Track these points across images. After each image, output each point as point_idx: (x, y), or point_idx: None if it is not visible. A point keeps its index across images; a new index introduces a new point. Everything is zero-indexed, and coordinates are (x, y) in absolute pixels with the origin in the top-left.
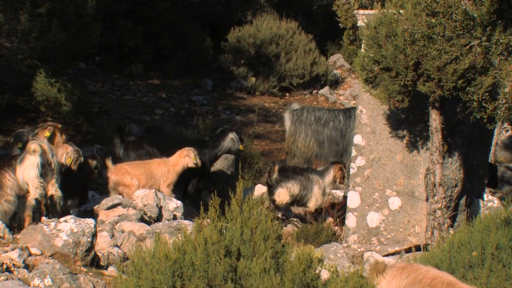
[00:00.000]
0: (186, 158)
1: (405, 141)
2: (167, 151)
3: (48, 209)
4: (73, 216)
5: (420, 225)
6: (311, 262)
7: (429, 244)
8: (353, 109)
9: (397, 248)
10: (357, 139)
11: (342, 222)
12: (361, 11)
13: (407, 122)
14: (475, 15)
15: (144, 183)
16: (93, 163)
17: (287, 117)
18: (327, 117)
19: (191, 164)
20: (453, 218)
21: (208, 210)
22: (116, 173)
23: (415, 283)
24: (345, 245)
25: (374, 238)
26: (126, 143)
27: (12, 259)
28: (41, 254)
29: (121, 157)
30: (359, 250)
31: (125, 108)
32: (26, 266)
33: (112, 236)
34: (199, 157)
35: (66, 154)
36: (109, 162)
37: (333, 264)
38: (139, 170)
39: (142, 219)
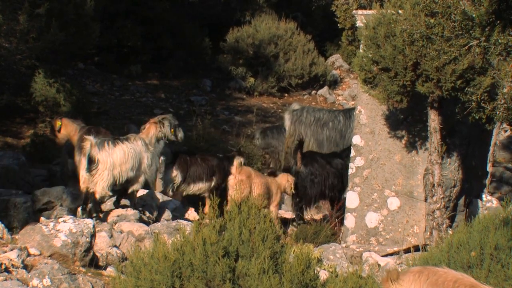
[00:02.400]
0: (287, 183)
1: (404, 142)
2: (332, 164)
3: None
4: (72, 216)
5: (419, 225)
6: (309, 263)
7: (428, 245)
8: (353, 109)
9: (395, 249)
10: (356, 139)
11: (341, 222)
12: (359, 12)
13: (406, 122)
14: (474, 15)
15: (261, 192)
16: None
17: (287, 117)
18: (327, 117)
19: (288, 191)
20: (452, 219)
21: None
22: (242, 173)
23: (438, 286)
24: (344, 245)
25: (373, 239)
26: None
27: (11, 260)
28: (40, 255)
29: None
30: (357, 250)
31: (124, 109)
32: (25, 267)
33: (111, 236)
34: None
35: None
36: (237, 162)
37: (332, 264)
38: (260, 179)
39: (141, 219)
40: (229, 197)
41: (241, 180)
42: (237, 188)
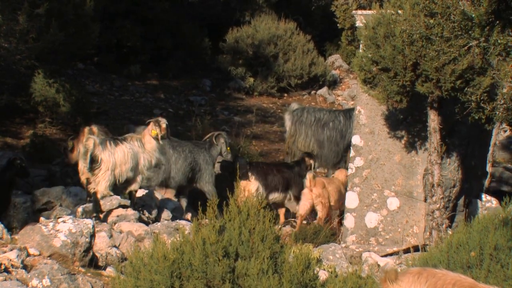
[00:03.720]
0: (346, 177)
1: (403, 142)
2: None
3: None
4: (71, 216)
5: (418, 225)
6: (309, 263)
7: (427, 245)
8: (353, 109)
9: (395, 249)
10: (356, 139)
11: (340, 223)
12: (359, 12)
13: (405, 122)
14: (473, 15)
15: (336, 198)
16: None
17: (287, 117)
18: (327, 117)
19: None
20: (451, 219)
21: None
22: (317, 186)
23: None
24: (343, 245)
25: (373, 239)
26: None
27: (10, 260)
28: (40, 255)
29: None
30: (357, 250)
31: (124, 109)
32: (25, 267)
33: (111, 236)
34: None
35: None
36: (310, 176)
37: (331, 264)
38: (333, 186)
39: (140, 219)
40: (319, 215)
41: (319, 194)
42: (318, 203)
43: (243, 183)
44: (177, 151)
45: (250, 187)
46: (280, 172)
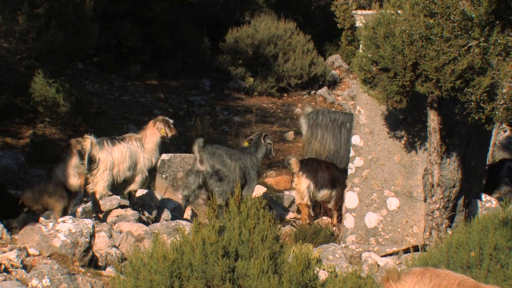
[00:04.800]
0: None
1: (403, 142)
2: None
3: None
4: (71, 216)
5: (418, 225)
6: (309, 263)
7: (427, 245)
8: None
9: (395, 249)
10: (355, 139)
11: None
12: (359, 12)
13: (405, 122)
14: (473, 15)
15: None
16: None
17: (303, 121)
18: (343, 119)
19: None
20: (451, 219)
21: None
22: None
23: None
24: (343, 245)
25: (372, 239)
26: None
27: (10, 260)
28: (39, 255)
29: None
30: (357, 250)
31: (123, 109)
32: (24, 267)
33: (110, 236)
34: None
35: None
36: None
37: (331, 264)
38: None
39: (140, 220)
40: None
41: None
42: None
43: (295, 181)
44: (234, 161)
45: (300, 185)
46: (328, 169)
